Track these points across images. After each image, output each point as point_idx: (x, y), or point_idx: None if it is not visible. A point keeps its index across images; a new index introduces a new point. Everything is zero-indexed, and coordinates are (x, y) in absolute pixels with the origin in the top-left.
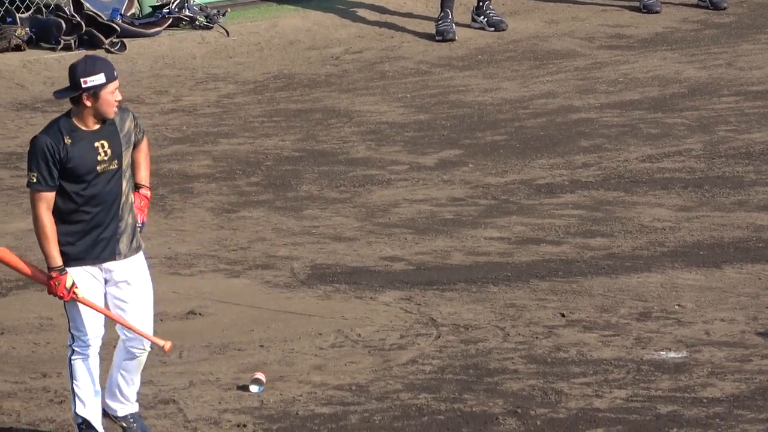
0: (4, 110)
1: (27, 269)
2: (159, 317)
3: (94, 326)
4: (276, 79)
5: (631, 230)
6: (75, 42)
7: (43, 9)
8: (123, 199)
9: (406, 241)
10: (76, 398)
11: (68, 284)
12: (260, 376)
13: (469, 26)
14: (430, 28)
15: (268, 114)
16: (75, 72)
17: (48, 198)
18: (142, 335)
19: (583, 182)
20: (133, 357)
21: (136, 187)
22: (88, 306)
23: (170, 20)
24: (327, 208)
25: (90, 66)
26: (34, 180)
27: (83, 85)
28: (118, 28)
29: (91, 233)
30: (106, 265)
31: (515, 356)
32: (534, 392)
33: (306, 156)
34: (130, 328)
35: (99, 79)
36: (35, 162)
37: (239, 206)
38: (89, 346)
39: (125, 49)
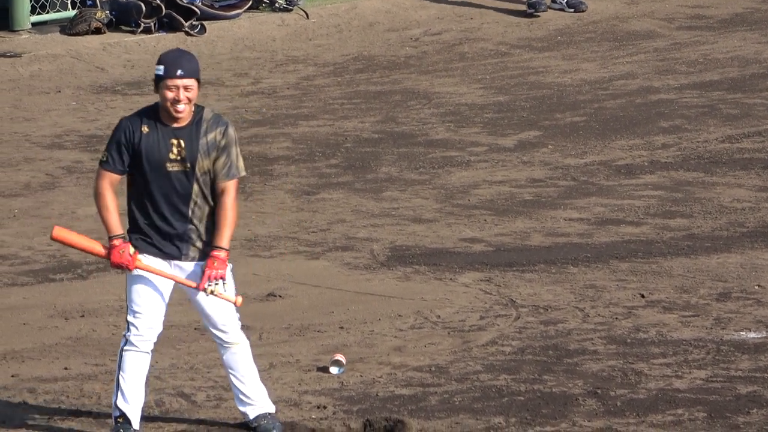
0: (84, 93)
1: (85, 244)
2: None
3: (152, 317)
4: (355, 60)
5: (711, 211)
6: (155, 25)
7: None
8: (193, 204)
9: (485, 223)
10: (119, 390)
11: (131, 251)
12: (340, 357)
13: (549, 7)
14: (509, 9)
15: (348, 96)
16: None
17: (111, 178)
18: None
19: (662, 163)
20: (225, 350)
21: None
22: (154, 272)
23: (250, 2)
24: (406, 189)
25: (164, 55)
26: (104, 159)
27: (155, 71)
28: (198, 11)
29: (157, 227)
30: (176, 262)
31: (595, 337)
32: (614, 373)
33: (385, 138)
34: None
35: (159, 69)
36: (110, 141)
37: (319, 188)
38: (143, 336)
39: (205, 31)
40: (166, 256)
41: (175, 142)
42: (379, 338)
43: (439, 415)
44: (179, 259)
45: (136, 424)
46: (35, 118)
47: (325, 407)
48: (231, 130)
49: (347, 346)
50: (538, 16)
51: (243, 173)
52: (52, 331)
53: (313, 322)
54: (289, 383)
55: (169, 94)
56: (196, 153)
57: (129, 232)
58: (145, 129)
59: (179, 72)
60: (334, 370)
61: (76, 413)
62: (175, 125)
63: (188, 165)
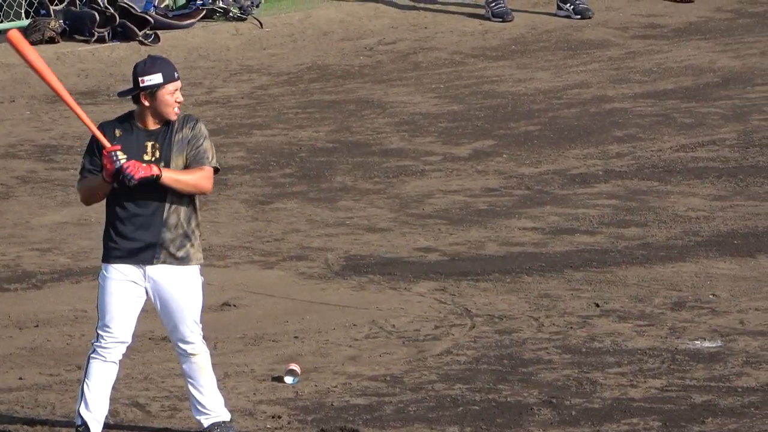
0: (39, 103)
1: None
2: None
3: (121, 329)
4: (310, 70)
5: (665, 220)
6: (109, 34)
7: (77, 1)
8: (170, 205)
9: (440, 232)
10: (83, 398)
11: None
12: (295, 367)
13: (555, 14)
14: (463, 18)
15: (302, 105)
16: (135, 71)
17: None
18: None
19: (617, 172)
20: (185, 359)
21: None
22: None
23: (204, 12)
24: (361, 199)
25: (149, 65)
26: (81, 166)
27: (141, 84)
28: (152, 20)
29: (133, 233)
30: (149, 270)
31: (550, 346)
32: (569, 382)
33: (340, 147)
34: None
35: (156, 78)
36: (87, 148)
37: (273, 198)
38: (110, 348)
39: (159, 41)
40: (140, 262)
41: (149, 144)
42: (334, 348)
43: (394, 424)
44: (152, 263)
45: None
46: None
47: (279, 417)
48: (201, 125)
49: (302, 356)
50: (510, 20)
51: (215, 164)
52: (6, 341)
53: (268, 332)
54: (244, 393)
55: (172, 98)
56: (170, 152)
57: (104, 239)
58: (118, 132)
59: (176, 74)
60: (288, 379)
61: (31, 423)
62: (150, 128)
63: (162, 165)
